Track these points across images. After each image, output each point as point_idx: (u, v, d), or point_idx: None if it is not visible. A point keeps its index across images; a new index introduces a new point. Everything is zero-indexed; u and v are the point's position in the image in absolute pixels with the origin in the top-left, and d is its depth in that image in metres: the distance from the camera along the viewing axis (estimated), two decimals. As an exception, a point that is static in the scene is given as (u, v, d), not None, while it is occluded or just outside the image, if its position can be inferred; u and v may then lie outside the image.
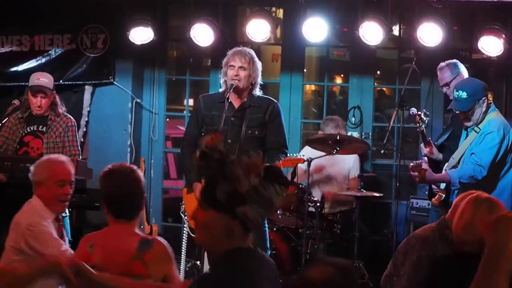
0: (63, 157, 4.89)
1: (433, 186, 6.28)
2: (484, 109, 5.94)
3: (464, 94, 5.87)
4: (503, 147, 5.91)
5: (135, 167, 4.04)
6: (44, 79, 6.77)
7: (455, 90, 5.98)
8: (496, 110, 6.12)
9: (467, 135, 6.06)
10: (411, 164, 6.16)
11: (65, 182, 4.70)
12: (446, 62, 6.72)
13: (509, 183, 5.97)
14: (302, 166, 7.10)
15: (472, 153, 5.88)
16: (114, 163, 4.05)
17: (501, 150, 5.89)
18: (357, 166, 7.69)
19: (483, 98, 5.93)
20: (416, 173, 6.00)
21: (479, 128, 5.93)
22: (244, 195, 2.84)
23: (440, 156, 6.51)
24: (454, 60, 6.75)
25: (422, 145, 6.63)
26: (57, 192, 4.67)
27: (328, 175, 7.67)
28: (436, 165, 6.46)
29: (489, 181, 5.72)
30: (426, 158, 6.63)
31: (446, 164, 6.10)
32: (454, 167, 6.03)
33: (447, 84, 6.64)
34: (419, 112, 6.41)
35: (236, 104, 5.75)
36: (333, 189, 7.60)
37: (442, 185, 6.12)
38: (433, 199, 6.27)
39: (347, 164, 7.69)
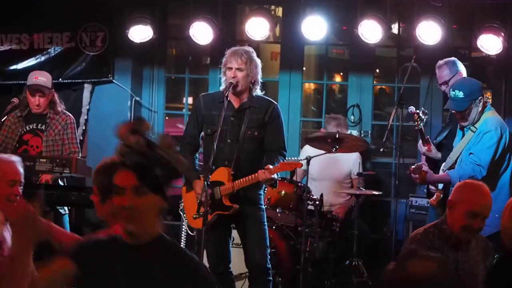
0: (14, 157, 4.74)
1: (430, 186, 6.27)
2: (480, 108, 5.93)
3: (460, 94, 5.86)
4: (501, 145, 5.90)
5: None
6: (42, 78, 6.77)
7: (451, 89, 5.98)
8: (492, 109, 6.10)
9: (463, 135, 6.05)
10: (412, 167, 6.13)
11: (15, 182, 4.55)
12: (444, 60, 6.72)
13: (507, 181, 5.97)
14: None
15: (471, 153, 5.87)
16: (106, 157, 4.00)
17: (499, 149, 5.88)
18: (358, 165, 7.69)
19: (479, 98, 5.91)
20: (417, 175, 5.99)
21: (475, 127, 5.92)
22: (178, 175, 2.98)
23: (439, 155, 6.50)
24: (453, 58, 6.74)
25: (420, 143, 6.63)
26: (8, 192, 4.51)
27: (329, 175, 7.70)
28: (435, 164, 6.47)
29: (488, 180, 5.69)
30: (424, 157, 6.64)
31: (444, 163, 6.09)
32: (451, 167, 6.02)
33: (446, 83, 6.64)
34: (417, 111, 6.41)
35: (236, 104, 5.74)
36: (334, 188, 7.61)
37: (440, 185, 6.12)
38: (431, 199, 6.27)
39: (349, 163, 7.69)
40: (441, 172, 6.03)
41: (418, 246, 4.20)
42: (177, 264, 2.98)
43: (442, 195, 6.07)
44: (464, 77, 6.51)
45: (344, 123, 7.76)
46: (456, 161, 5.99)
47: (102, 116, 8.36)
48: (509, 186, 5.97)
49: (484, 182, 5.42)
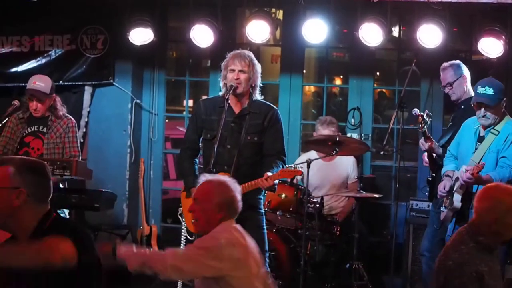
0: None
1: (439, 191, 6.14)
2: (502, 110, 5.91)
3: (491, 91, 5.80)
4: None
5: None
6: (41, 84, 6.77)
7: (480, 86, 5.86)
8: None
9: (480, 137, 5.98)
10: (472, 167, 5.93)
11: None
12: (449, 62, 6.73)
13: None
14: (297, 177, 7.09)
15: (503, 156, 5.81)
16: None
17: None
18: (355, 169, 7.70)
19: (504, 99, 5.91)
20: (473, 178, 5.82)
21: (496, 130, 5.87)
22: None
23: (440, 150, 6.49)
24: (458, 61, 6.76)
25: (421, 141, 6.58)
26: None
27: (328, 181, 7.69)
28: (437, 165, 6.47)
29: None
30: (426, 157, 6.62)
31: (464, 167, 5.89)
32: None
33: (450, 84, 6.64)
34: (422, 113, 6.38)
35: (236, 109, 5.74)
36: (332, 193, 7.62)
37: (457, 188, 5.97)
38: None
39: (346, 168, 7.69)
40: (462, 172, 5.89)
41: (463, 266, 4.17)
42: None
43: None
44: (490, 77, 6.38)
45: (330, 119, 7.70)
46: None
47: (103, 118, 8.36)
48: None
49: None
